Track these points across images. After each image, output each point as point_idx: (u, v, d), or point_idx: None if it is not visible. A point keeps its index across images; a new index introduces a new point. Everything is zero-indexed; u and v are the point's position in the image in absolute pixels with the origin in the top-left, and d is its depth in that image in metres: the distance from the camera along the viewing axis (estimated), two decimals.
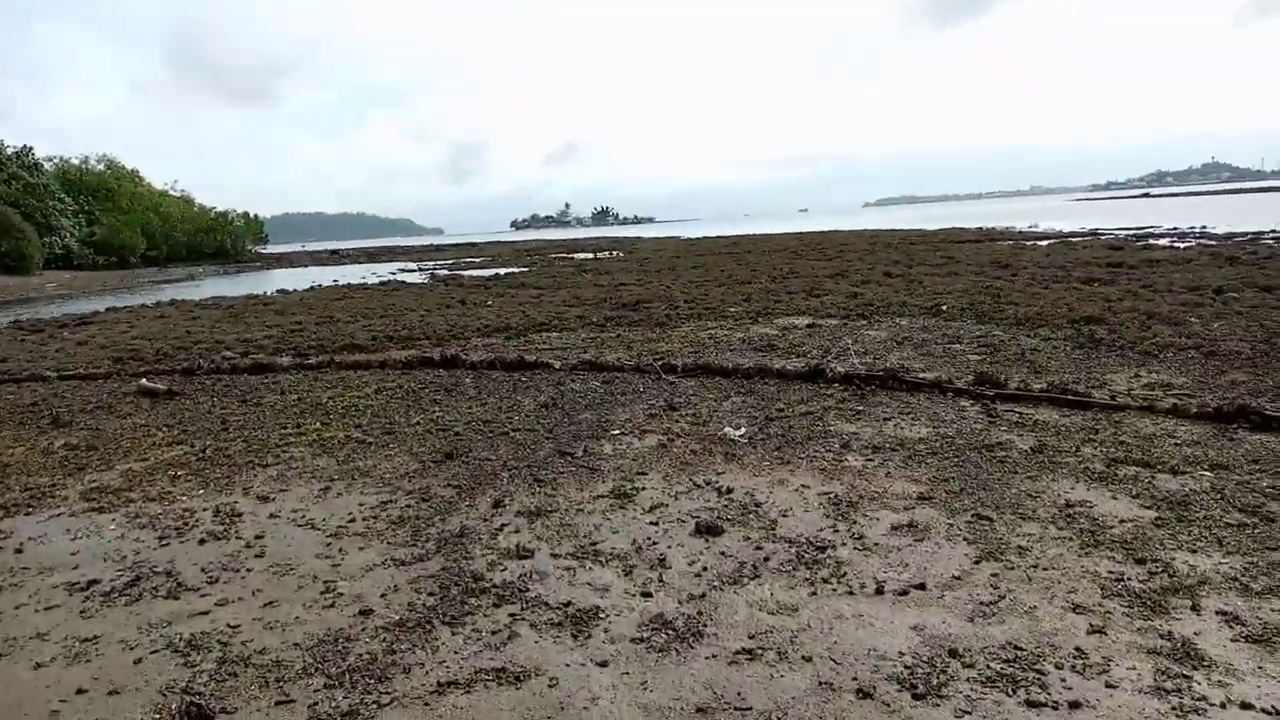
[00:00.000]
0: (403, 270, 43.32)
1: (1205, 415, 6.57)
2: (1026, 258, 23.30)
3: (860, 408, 7.62)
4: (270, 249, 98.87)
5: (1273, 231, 29.31)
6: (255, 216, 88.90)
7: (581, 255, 49.86)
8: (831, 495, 5.38)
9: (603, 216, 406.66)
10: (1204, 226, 35.33)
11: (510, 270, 36.16)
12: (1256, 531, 4.45)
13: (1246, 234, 28.98)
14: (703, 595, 4.11)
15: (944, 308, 13.96)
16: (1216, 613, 3.69)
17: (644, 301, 18.12)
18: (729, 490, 5.58)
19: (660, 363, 9.99)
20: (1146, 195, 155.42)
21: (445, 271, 39.27)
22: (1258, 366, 8.34)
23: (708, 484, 5.73)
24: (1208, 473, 5.42)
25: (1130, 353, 9.43)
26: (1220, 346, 9.14)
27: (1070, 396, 7.35)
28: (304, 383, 10.41)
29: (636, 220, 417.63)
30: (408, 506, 5.61)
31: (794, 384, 8.72)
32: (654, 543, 4.76)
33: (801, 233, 58.67)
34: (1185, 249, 23.95)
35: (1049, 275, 18.00)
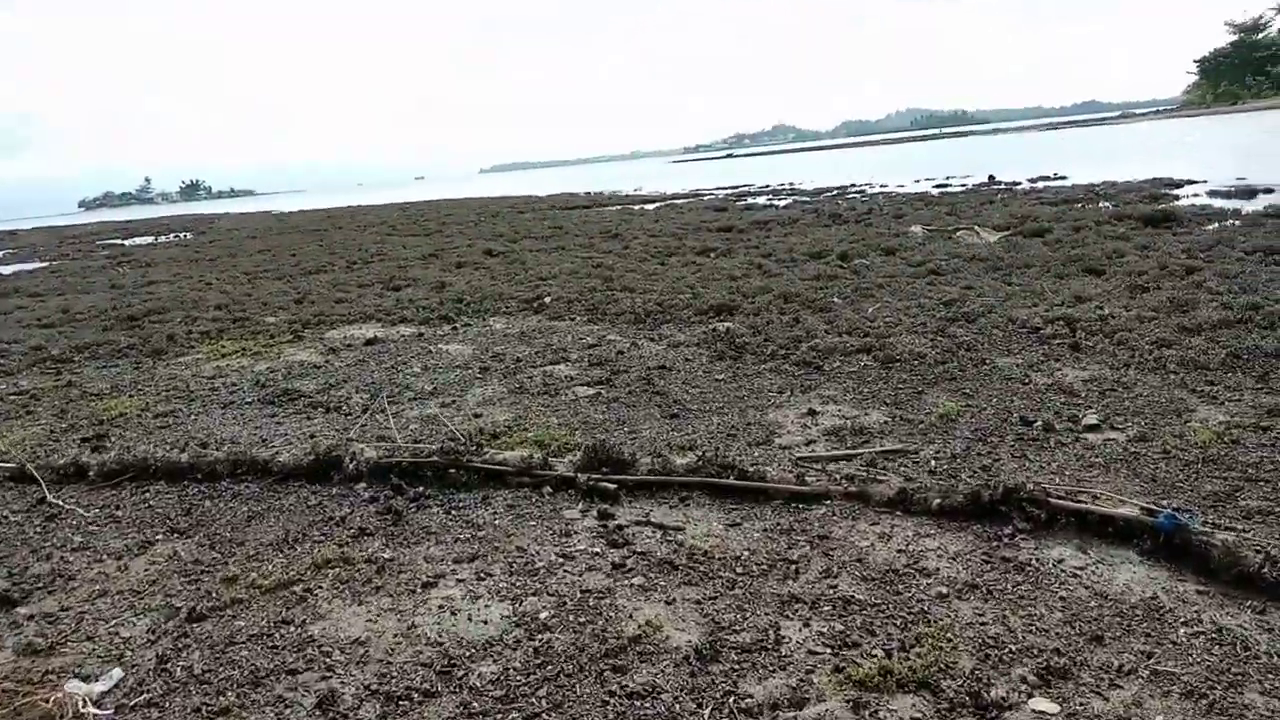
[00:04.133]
0: None
1: (953, 511, 3.94)
2: (636, 224, 21.40)
3: (388, 553, 4.07)
4: None
5: (852, 185, 30.70)
6: None
7: (137, 240, 41.05)
8: None
9: (193, 190, 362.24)
10: (791, 183, 36.70)
11: (31, 266, 27.86)
12: None
13: (831, 189, 29.99)
14: None
15: (548, 300, 10.94)
16: None
17: (156, 312, 13.12)
18: None
19: (83, 450, 5.70)
20: (730, 155, 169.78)
21: None
22: (955, 378, 6.12)
23: None
24: (1049, 707, 2.65)
25: (786, 364, 6.91)
26: (895, 346, 6.90)
27: (734, 479, 4.43)
28: None
29: (233, 194, 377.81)
30: None
31: (290, 490, 4.97)
32: None
33: (408, 203, 53.90)
34: (785, 207, 23.56)
35: (662, 246, 15.86)
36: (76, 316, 13.62)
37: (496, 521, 4.31)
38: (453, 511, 4.47)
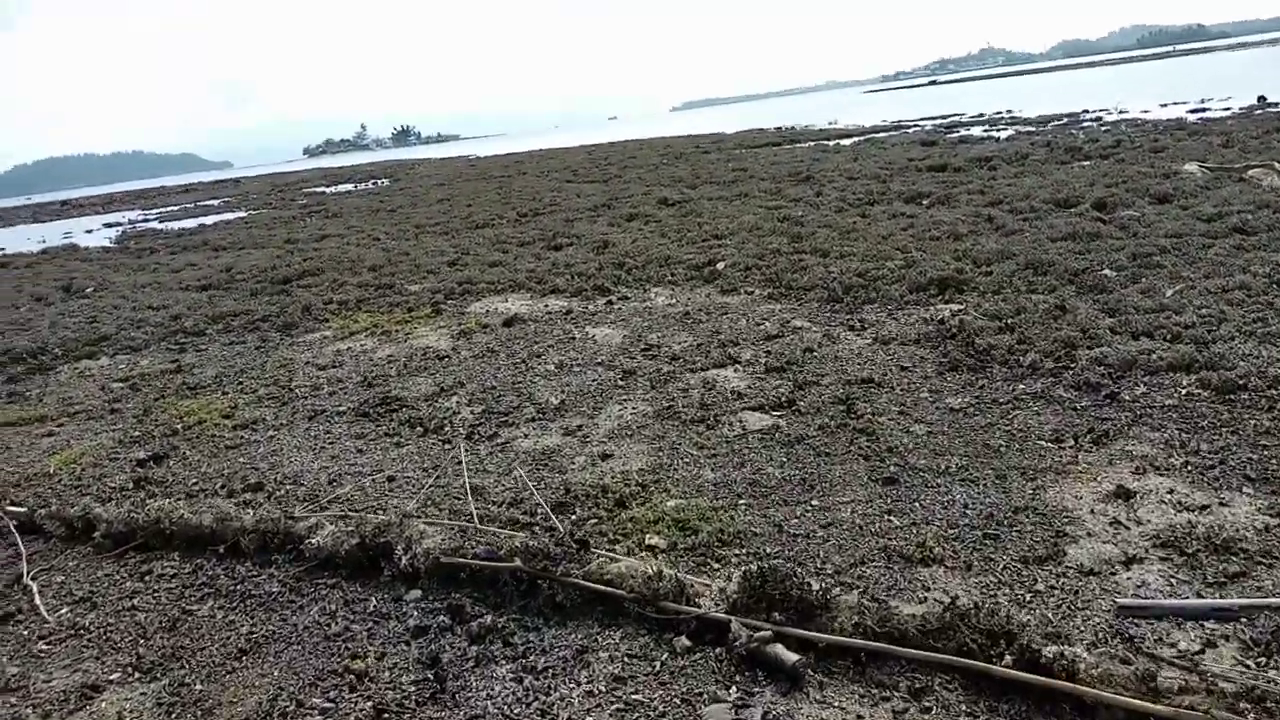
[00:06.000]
0: (112, 225, 34.35)
1: None
2: (830, 164, 18.86)
3: None
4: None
5: (1085, 112, 26.42)
6: None
7: (339, 188, 42.30)
8: None
9: (403, 137, 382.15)
10: (1009, 111, 32.38)
11: (231, 217, 28.83)
12: None
13: (1059, 116, 25.91)
14: None
15: (721, 266, 9.04)
16: None
17: (310, 273, 12.34)
18: None
19: (129, 480, 4.49)
20: (934, 83, 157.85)
21: (154, 224, 31.18)
22: None
23: None
24: None
25: (1059, 386, 4.69)
26: (1232, 361, 4.52)
27: (1012, 666, 2.46)
28: None
29: (440, 139, 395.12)
30: None
31: (318, 592, 3.45)
32: None
33: (595, 145, 52.74)
34: (1008, 139, 20.22)
35: (862, 192, 13.45)
36: (236, 276, 13.09)
37: (590, 716, 2.56)
38: (526, 678, 2.75)
